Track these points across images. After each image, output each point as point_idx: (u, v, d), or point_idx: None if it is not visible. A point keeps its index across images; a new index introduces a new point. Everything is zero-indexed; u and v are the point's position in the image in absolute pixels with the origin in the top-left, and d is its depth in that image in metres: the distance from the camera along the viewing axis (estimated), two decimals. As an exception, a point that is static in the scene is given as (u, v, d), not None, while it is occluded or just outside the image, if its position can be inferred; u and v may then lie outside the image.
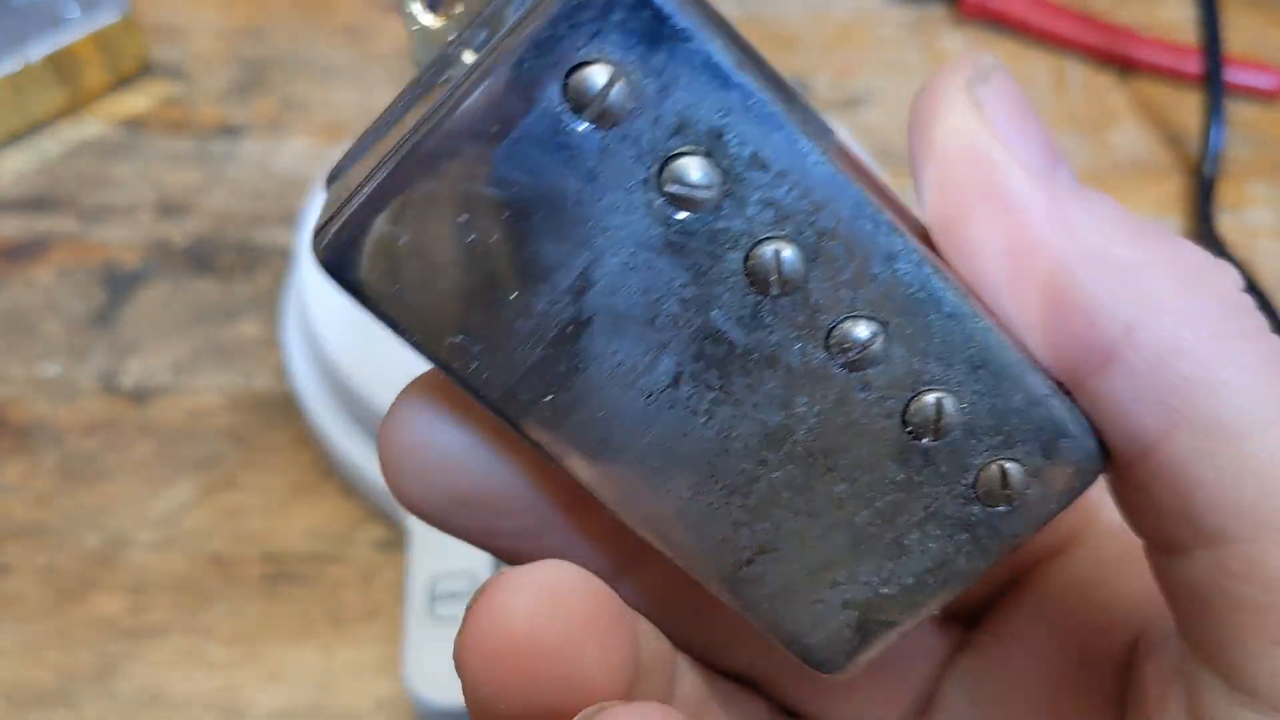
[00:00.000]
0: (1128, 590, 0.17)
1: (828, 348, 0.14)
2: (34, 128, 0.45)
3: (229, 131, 0.46)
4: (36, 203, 0.43)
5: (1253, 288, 0.41)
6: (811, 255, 0.13)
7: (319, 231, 0.13)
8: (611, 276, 0.13)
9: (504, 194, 0.13)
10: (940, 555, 0.15)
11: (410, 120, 0.13)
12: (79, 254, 0.41)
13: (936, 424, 0.14)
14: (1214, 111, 0.47)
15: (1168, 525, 0.14)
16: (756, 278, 0.13)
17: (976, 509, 0.15)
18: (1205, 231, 0.45)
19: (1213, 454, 0.13)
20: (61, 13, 0.45)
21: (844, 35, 0.53)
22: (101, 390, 0.38)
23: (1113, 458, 0.15)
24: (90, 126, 0.46)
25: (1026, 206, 0.14)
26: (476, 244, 0.13)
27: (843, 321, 0.14)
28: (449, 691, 0.30)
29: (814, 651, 0.16)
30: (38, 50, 0.44)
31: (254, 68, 0.48)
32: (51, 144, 0.45)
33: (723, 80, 0.12)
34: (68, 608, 0.33)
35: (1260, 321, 0.14)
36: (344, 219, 0.13)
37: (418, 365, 0.15)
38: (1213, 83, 0.47)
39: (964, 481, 0.15)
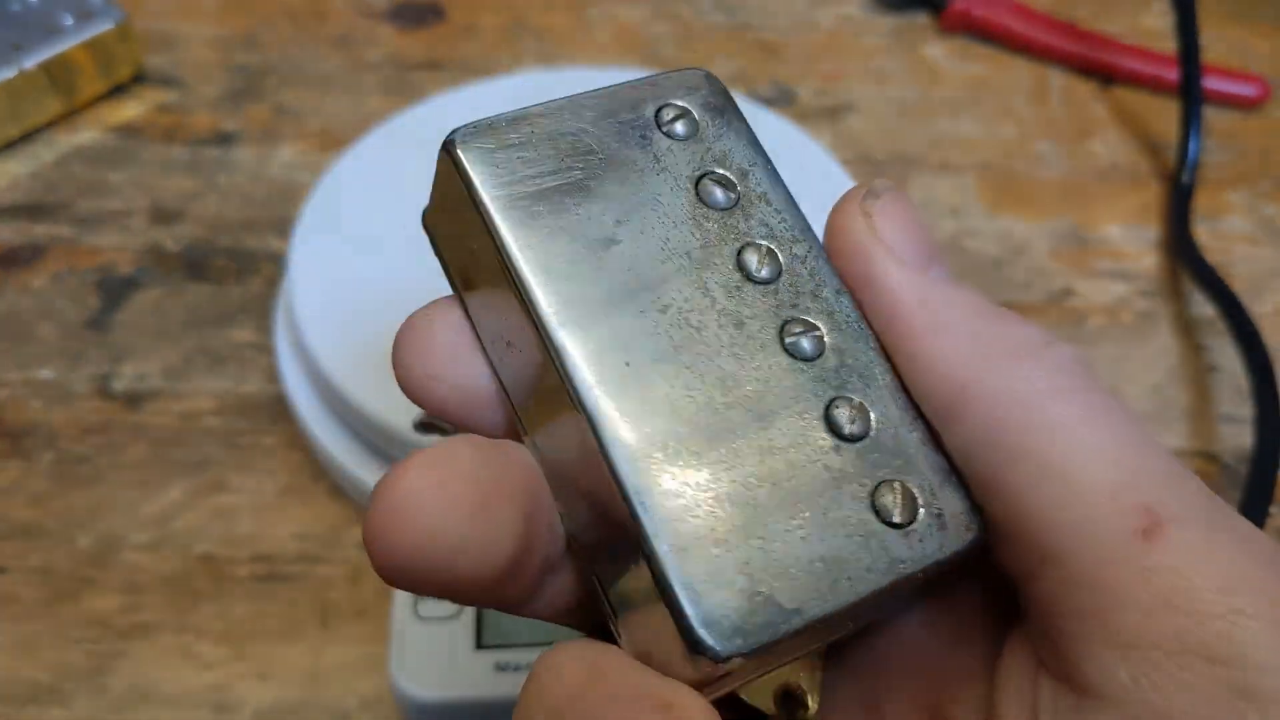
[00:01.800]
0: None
1: (780, 332, 0.18)
2: (29, 134, 0.46)
3: (222, 139, 0.46)
4: (32, 209, 0.44)
5: (1227, 294, 0.42)
6: (784, 267, 0.18)
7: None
8: (646, 223, 0.18)
9: (600, 149, 0.19)
10: (837, 551, 0.16)
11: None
12: (73, 259, 0.42)
13: (851, 428, 0.17)
14: (1191, 120, 0.48)
15: (1019, 553, 0.17)
16: (742, 266, 0.18)
17: (871, 519, 0.17)
18: (1182, 238, 0.45)
19: (1042, 487, 0.16)
20: (57, 21, 0.46)
21: (829, 44, 0.54)
22: (95, 394, 0.38)
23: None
24: (85, 133, 0.46)
25: (894, 288, 0.18)
26: (572, 169, 0.18)
27: (795, 318, 0.18)
28: (435, 688, 0.30)
29: (697, 616, 0.15)
30: (33, 58, 0.45)
31: (247, 76, 0.49)
32: (46, 151, 0.46)
33: (756, 146, 0.20)
34: (61, 607, 0.34)
35: (1090, 381, 0.17)
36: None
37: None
38: (1190, 92, 0.48)
39: (864, 488, 0.17)
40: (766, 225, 0.19)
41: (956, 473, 0.18)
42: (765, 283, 0.18)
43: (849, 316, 0.18)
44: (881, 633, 0.20)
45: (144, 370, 0.39)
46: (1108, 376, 0.42)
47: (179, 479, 0.37)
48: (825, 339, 0.18)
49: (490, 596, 0.17)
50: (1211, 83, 0.51)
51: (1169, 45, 0.52)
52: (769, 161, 0.20)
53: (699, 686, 0.16)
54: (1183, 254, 0.45)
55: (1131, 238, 0.47)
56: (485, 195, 0.18)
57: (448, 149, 0.18)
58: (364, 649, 0.33)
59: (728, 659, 0.15)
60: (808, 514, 0.17)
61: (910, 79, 0.53)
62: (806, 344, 0.18)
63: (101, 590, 0.34)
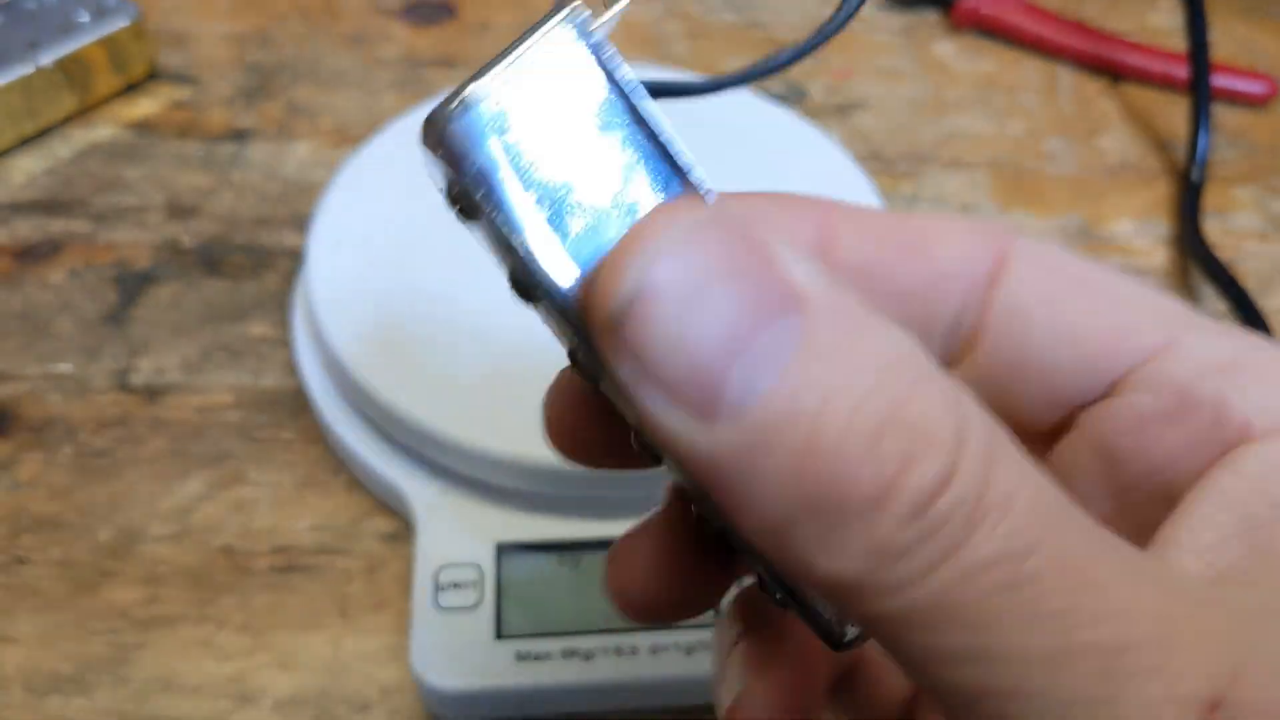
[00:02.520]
0: (1161, 445, 0.18)
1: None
2: (44, 131, 0.46)
3: (237, 136, 0.47)
4: (48, 204, 0.44)
5: (1237, 290, 0.42)
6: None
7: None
8: None
9: None
10: None
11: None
12: (90, 255, 0.42)
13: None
14: (1200, 117, 0.48)
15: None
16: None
17: None
18: (1192, 234, 0.46)
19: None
20: (72, 18, 0.46)
21: (838, 41, 0.54)
22: (114, 387, 0.39)
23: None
24: (100, 130, 0.47)
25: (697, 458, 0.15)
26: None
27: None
28: (455, 678, 0.31)
29: None
30: (49, 55, 0.45)
31: (261, 73, 0.49)
32: (62, 147, 0.46)
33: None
34: (83, 599, 0.34)
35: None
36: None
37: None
38: (1199, 89, 0.48)
39: None
40: (510, 251, 0.17)
41: None
42: (536, 300, 0.17)
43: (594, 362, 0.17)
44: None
45: (162, 364, 0.39)
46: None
47: (198, 472, 0.37)
48: (580, 351, 0.17)
49: None
50: (1220, 80, 0.51)
51: (1176, 43, 0.52)
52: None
53: None
54: (1193, 250, 0.45)
55: (1141, 234, 0.47)
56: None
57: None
58: (384, 639, 0.34)
59: None
60: None
61: (920, 76, 0.53)
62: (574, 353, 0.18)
63: (122, 582, 0.35)
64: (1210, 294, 0.44)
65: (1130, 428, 0.19)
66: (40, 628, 0.34)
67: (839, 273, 0.19)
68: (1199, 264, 0.44)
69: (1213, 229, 0.47)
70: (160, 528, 0.36)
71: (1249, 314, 0.41)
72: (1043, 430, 0.20)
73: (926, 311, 0.19)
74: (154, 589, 0.34)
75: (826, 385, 0.14)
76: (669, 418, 0.14)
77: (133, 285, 0.41)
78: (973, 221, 0.19)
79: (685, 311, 0.14)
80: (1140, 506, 0.18)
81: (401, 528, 0.36)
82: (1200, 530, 0.16)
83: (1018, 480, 0.14)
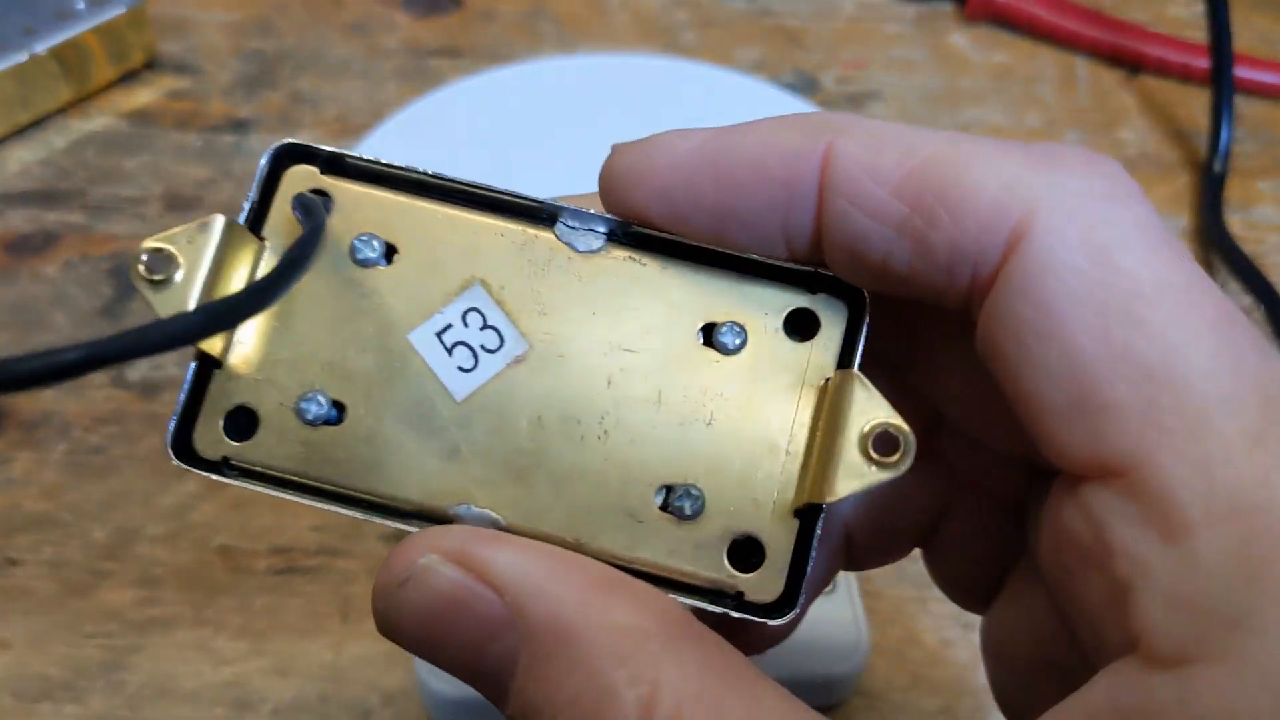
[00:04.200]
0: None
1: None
2: (40, 120, 0.45)
3: (237, 125, 0.46)
4: (44, 196, 0.43)
5: (1262, 284, 0.41)
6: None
7: None
8: None
9: None
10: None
11: None
12: (86, 247, 0.41)
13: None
14: (1223, 109, 0.47)
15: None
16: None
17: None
18: (1214, 228, 0.44)
19: None
20: (69, 5, 0.45)
21: (851, 32, 0.53)
22: (109, 383, 0.37)
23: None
24: (97, 119, 0.46)
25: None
26: None
27: None
28: (458, 683, 0.29)
29: None
30: (44, 42, 0.44)
31: (261, 63, 0.48)
32: (58, 137, 0.45)
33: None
34: (76, 600, 0.33)
35: None
36: None
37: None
38: (1222, 80, 0.47)
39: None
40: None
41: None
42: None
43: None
44: None
45: (158, 360, 0.38)
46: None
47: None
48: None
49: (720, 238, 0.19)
50: (1240, 71, 0.50)
51: (1194, 34, 0.51)
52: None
53: None
54: (1218, 243, 0.44)
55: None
56: None
57: None
58: (386, 644, 0.32)
59: None
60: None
61: (935, 67, 0.52)
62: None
63: (117, 583, 0.34)
64: (1235, 289, 0.43)
65: (1069, 547, 0.17)
66: (31, 631, 0.33)
67: (832, 233, 0.18)
68: (1224, 258, 0.43)
69: (1235, 223, 0.46)
70: (156, 527, 0.35)
71: (1275, 308, 0.40)
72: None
73: (932, 291, 0.18)
74: (149, 590, 0.33)
75: (537, 704, 0.16)
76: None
77: (129, 278, 0.40)
78: (1016, 160, 0.17)
79: (426, 651, 0.18)
80: (1086, 636, 0.17)
81: (403, 530, 0.35)
82: None
83: None
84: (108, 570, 0.34)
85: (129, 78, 0.47)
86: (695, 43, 0.51)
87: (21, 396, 0.37)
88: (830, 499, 0.17)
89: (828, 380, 0.19)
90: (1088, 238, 0.16)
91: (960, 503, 0.22)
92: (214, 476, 0.19)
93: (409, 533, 0.18)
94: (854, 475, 0.17)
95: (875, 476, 0.17)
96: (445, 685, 0.30)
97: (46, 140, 0.45)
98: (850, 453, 0.17)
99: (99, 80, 0.46)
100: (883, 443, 0.17)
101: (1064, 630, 0.19)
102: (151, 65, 0.47)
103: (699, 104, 0.45)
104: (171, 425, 0.19)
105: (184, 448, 0.19)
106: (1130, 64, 0.52)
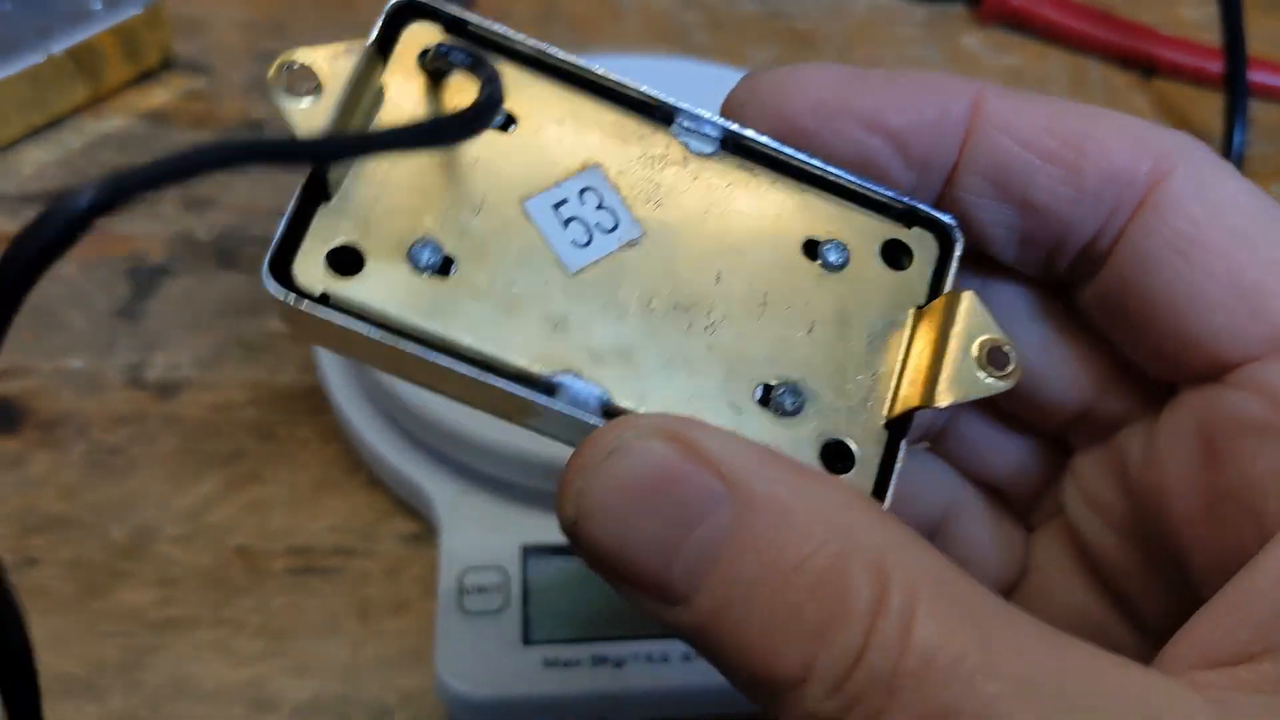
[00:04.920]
0: (1255, 464, 0.18)
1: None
2: (55, 121, 0.45)
3: (252, 126, 0.46)
4: (59, 196, 0.43)
5: None
6: None
7: None
8: None
9: None
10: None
11: None
12: (103, 247, 0.41)
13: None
14: (1236, 112, 0.47)
15: None
16: None
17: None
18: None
19: None
20: (85, 5, 0.45)
21: (862, 33, 0.53)
22: (127, 383, 0.38)
23: None
24: (112, 120, 0.46)
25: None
26: None
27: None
28: (481, 685, 0.30)
29: None
30: (60, 43, 0.44)
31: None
32: (73, 137, 0.45)
33: None
34: (94, 600, 0.33)
35: None
36: None
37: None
38: (1235, 83, 0.47)
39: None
40: None
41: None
42: None
43: None
44: None
45: (176, 360, 0.38)
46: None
47: (213, 471, 0.36)
48: None
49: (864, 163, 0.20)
50: (1256, 75, 0.50)
51: (1207, 37, 0.51)
52: None
53: None
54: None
55: (1175, 231, 0.46)
56: None
57: None
58: (404, 643, 0.33)
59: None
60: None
61: (947, 69, 0.52)
62: None
63: (135, 583, 0.34)
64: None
65: (1230, 429, 0.18)
66: (50, 630, 0.33)
67: (978, 157, 0.20)
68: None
69: (1248, 226, 0.46)
70: (174, 528, 0.35)
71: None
72: (1154, 382, 0.20)
73: (1064, 223, 0.19)
74: (168, 590, 0.34)
75: (751, 577, 0.15)
76: (637, 600, 0.16)
77: (146, 278, 0.40)
78: (1140, 123, 0.19)
79: (619, 530, 0.16)
80: (1230, 522, 0.17)
81: (422, 529, 0.35)
82: (1223, 638, 0.16)
83: (940, 635, 0.14)
84: (126, 570, 0.34)
85: (144, 78, 0.47)
86: (707, 44, 0.51)
87: (40, 396, 0.37)
88: (940, 404, 0.18)
89: (919, 308, 0.20)
90: (1224, 175, 0.19)
91: (966, 502, 0.23)
92: (317, 310, 0.17)
93: (510, 393, 0.18)
94: (964, 384, 0.18)
95: (986, 387, 0.18)
96: (464, 685, 0.30)
97: (62, 141, 0.45)
98: (962, 363, 0.18)
99: (114, 81, 0.46)
100: (996, 357, 0.19)
101: (1094, 599, 0.20)
102: (167, 65, 0.47)
103: (711, 105, 0.45)
104: (271, 248, 0.18)
105: (282, 276, 0.18)
106: (1143, 66, 0.52)
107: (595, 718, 0.31)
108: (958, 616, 0.15)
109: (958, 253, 0.20)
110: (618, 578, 0.16)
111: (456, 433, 0.32)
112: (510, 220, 0.19)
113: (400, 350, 0.17)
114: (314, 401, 0.37)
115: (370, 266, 0.18)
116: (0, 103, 0.44)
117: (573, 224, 0.19)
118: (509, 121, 0.19)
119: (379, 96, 0.19)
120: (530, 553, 0.32)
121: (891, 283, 0.20)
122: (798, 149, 0.20)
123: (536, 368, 0.18)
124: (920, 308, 0.20)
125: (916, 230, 0.21)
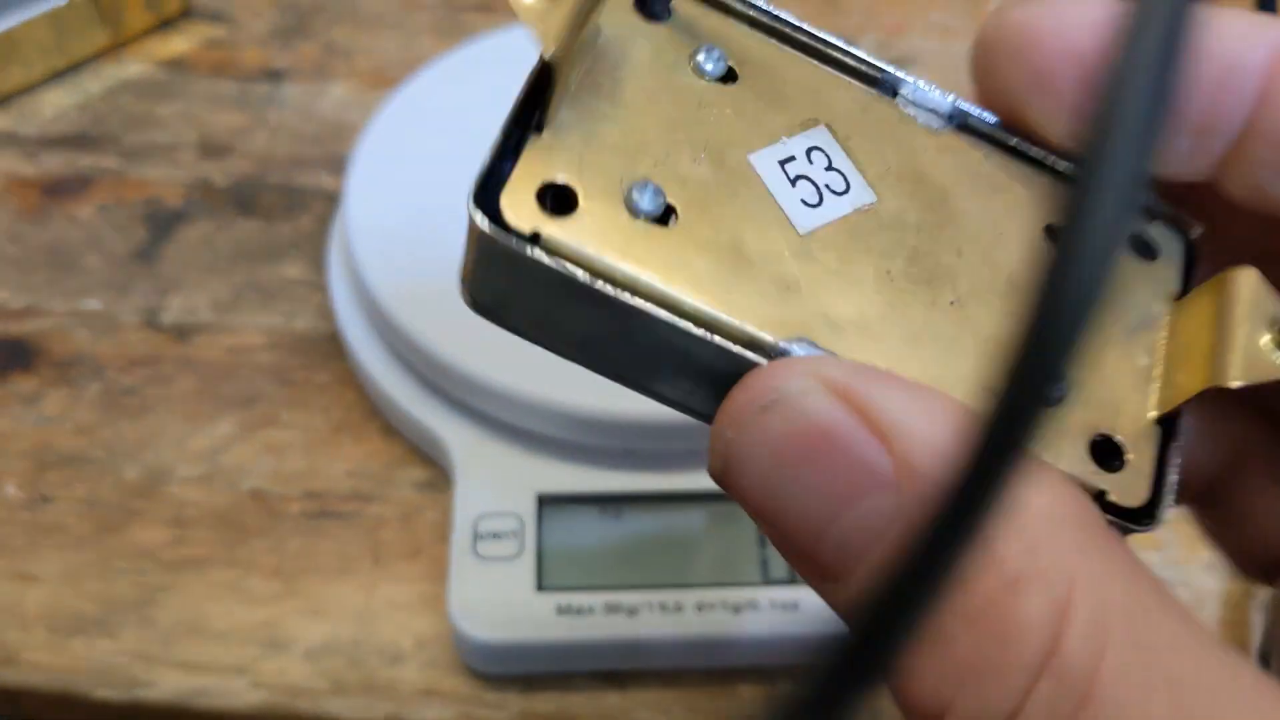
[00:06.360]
0: None
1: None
2: (75, 66, 0.45)
3: (271, 75, 0.45)
4: (79, 140, 0.43)
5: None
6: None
7: None
8: None
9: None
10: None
11: None
12: (120, 191, 0.41)
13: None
14: None
15: None
16: None
17: None
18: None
19: None
20: (106, -50, 0.45)
21: (889, -2, 0.52)
22: (143, 325, 0.37)
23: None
24: (132, 66, 0.45)
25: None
26: None
27: None
28: (494, 630, 0.29)
29: None
30: (80, -12, 0.44)
31: (297, 13, 0.48)
32: (93, 82, 0.45)
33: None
34: (108, 538, 0.33)
35: None
36: None
37: (460, 304, 0.17)
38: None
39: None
40: None
41: None
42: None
43: None
44: None
45: (193, 304, 0.38)
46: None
47: (228, 413, 0.36)
48: None
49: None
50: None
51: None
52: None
53: None
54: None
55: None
56: None
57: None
58: (418, 588, 0.33)
59: None
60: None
61: (974, 33, 0.51)
62: None
63: (149, 522, 0.34)
64: None
65: None
66: (64, 567, 0.33)
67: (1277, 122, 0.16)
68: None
69: None
70: (188, 469, 0.35)
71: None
72: None
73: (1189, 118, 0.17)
74: (181, 530, 0.33)
75: None
76: (794, 566, 0.14)
77: (163, 223, 0.40)
78: (1252, 14, 0.16)
79: (768, 493, 0.14)
80: None
81: (437, 476, 0.35)
82: None
83: (1127, 709, 0.12)
84: (140, 509, 0.34)
85: (165, 25, 0.47)
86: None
87: (55, 337, 0.37)
88: (1233, 384, 0.16)
89: (1177, 298, 0.19)
90: None
91: (1255, 465, 0.21)
92: (527, 250, 0.16)
93: (740, 357, 0.16)
94: (1258, 364, 0.17)
95: None
96: (479, 630, 0.29)
97: (82, 85, 0.45)
98: (1251, 342, 0.17)
99: (135, 27, 0.46)
100: None
101: None
102: (187, 14, 0.47)
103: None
104: (477, 176, 0.16)
105: (490, 209, 0.16)
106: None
107: (606, 665, 0.31)
108: (1159, 684, 0.12)
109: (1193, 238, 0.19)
110: (772, 538, 0.15)
111: (473, 380, 0.32)
112: (734, 172, 0.17)
113: (616, 302, 0.16)
114: (331, 348, 0.37)
115: (583, 208, 0.16)
116: (22, 45, 0.43)
117: (800, 183, 0.17)
118: (730, 75, 0.18)
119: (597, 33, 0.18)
120: (545, 501, 0.32)
121: (1143, 273, 0.19)
122: (1043, 109, 0.18)
123: (766, 330, 0.16)
124: (1178, 298, 0.19)
125: (1157, 224, 0.19)
